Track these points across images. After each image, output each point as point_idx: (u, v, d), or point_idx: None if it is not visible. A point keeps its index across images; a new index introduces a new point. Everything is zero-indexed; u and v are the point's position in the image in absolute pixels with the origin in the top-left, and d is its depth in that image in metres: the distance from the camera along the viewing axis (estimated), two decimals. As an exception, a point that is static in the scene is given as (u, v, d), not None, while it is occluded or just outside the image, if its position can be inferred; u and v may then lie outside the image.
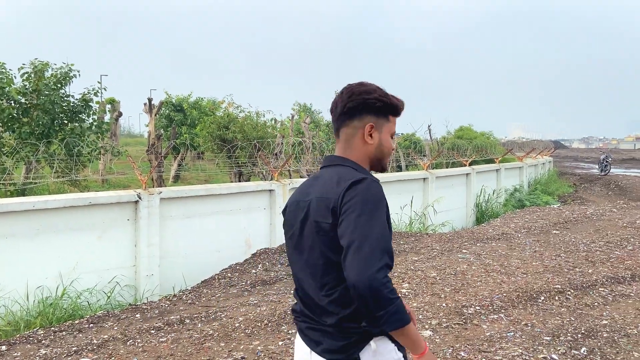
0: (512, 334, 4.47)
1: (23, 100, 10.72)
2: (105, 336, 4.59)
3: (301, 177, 13.56)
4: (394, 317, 1.56)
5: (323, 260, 1.74)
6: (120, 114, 19.00)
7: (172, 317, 5.12)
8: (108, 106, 19.29)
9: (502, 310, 5.04)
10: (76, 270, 5.98)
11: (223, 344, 4.37)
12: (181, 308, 5.54)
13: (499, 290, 5.58)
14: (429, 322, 4.70)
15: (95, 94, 11.58)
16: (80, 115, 11.42)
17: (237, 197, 7.77)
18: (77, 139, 10.89)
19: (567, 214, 11.09)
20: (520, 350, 4.11)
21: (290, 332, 4.60)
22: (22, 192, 9.73)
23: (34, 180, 10.10)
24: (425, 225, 11.02)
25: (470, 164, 14.68)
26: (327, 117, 24.98)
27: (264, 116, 16.10)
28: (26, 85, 10.76)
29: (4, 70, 10.56)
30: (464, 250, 7.67)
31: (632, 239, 8.18)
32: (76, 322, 5.08)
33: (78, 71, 11.26)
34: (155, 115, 15.39)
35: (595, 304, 5.27)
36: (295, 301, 1.96)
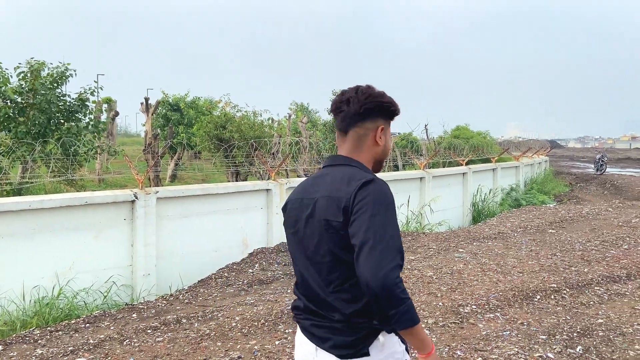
0: (508, 332, 4.48)
1: (19, 100, 10.69)
2: (102, 336, 4.59)
3: (298, 176, 13.56)
4: (405, 317, 1.60)
5: (331, 258, 1.76)
6: (116, 114, 18.96)
7: (169, 316, 5.12)
8: (105, 105, 19.24)
9: (498, 309, 5.05)
10: (72, 270, 5.96)
11: (220, 344, 4.37)
12: (178, 308, 5.54)
13: (495, 289, 5.60)
14: (426, 321, 4.72)
15: (92, 94, 11.56)
16: (76, 115, 11.40)
17: (234, 196, 7.77)
18: (74, 139, 10.86)
19: (563, 213, 11.13)
20: (516, 349, 4.13)
21: (287, 331, 4.61)
22: (18, 192, 9.70)
23: (30, 179, 10.07)
24: (422, 224, 11.04)
25: (466, 164, 14.71)
26: (324, 116, 24.96)
27: (261, 115, 16.11)
28: (22, 84, 10.73)
29: (0, 69, 10.53)
30: (461, 250, 7.69)
31: (627, 238, 8.22)
32: (72, 321, 5.07)
33: (74, 70, 11.24)
34: (152, 114, 15.38)
35: (591, 302, 5.29)
36: (296, 298, 1.97)
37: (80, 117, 11.54)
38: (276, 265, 6.95)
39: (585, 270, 6.41)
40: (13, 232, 5.68)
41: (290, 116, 21.46)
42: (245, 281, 6.37)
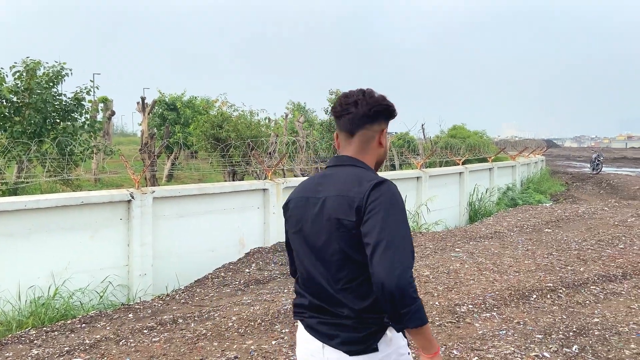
0: (505, 332, 4.49)
1: (15, 99, 10.65)
2: (98, 336, 4.58)
3: (295, 176, 13.55)
4: (416, 316, 1.64)
5: (341, 256, 1.79)
6: (113, 113, 18.91)
7: (165, 316, 5.11)
8: (101, 105, 19.19)
9: (495, 309, 5.06)
10: (68, 270, 5.95)
11: (216, 344, 4.36)
12: (174, 308, 5.53)
13: (491, 289, 5.61)
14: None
15: (88, 93, 11.52)
16: (72, 114, 11.35)
17: (230, 196, 7.76)
18: (70, 138, 10.82)
19: (559, 212, 11.16)
20: (512, 349, 4.13)
21: (283, 331, 4.61)
22: (13, 192, 9.66)
23: (26, 179, 10.03)
24: (419, 224, 11.05)
25: (463, 163, 14.73)
26: (321, 116, 24.96)
27: (257, 115, 16.07)
28: (18, 83, 10.68)
29: (-5, 68, 10.50)
30: (457, 249, 7.70)
31: (623, 238, 8.25)
32: (68, 322, 5.05)
33: (70, 70, 11.19)
34: (149, 114, 15.33)
35: (587, 302, 5.30)
36: (298, 296, 1.98)
37: (76, 116, 11.50)
38: (273, 265, 6.95)
39: (582, 269, 6.43)
40: (9, 232, 5.66)
41: (287, 116, 21.45)
42: (242, 281, 6.36)
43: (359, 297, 1.78)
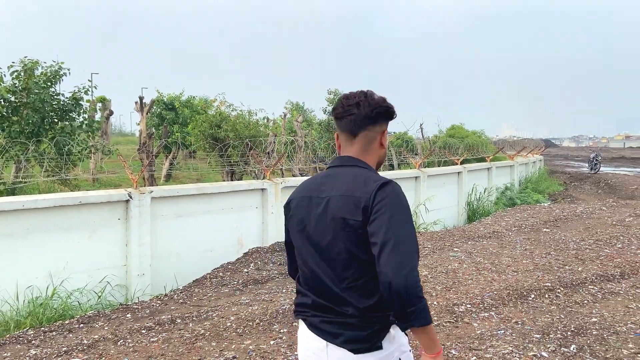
0: (503, 332, 4.50)
1: (13, 99, 10.63)
2: (96, 336, 4.57)
3: (293, 175, 13.55)
4: (422, 315, 1.67)
5: (346, 255, 1.81)
6: (111, 113, 18.88)
7: (163, 316, 5.11)
8: (99, 105, 19.16)
9: (493, 308, 5.07)
10: (66, 270, 5.94)
11: (214, 344, 4.36)
12: (172, 308, 5.52)
13: (489, 289, 5.62)
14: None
15: (86, 93, 11.50)
16: (70, 114, 11.33)
17: (229, 196, 7.75)
18: (68, 138, 10.81)
19: (557, 212, 11.17)
20: (510, 348, 4.14)
21: (282, 331, 4.61)
22: (11, 192, 9.65)
23: (24, 179, 10.02)
24: (417, 223, 11.06)
25: (461, 163, 14.74)
26: (320, 115, 24.94)
27: (256, 115, 16.07)
28: (16, 83, 10.66)
29: (-7, 68, 10.47)
30: (456, 249, 7.71)
31: (621, 237, 8.26)
32: (66, 322, 5.05)
33: (68, 69, 11.17)
34: (147, 113, 15.32)
35: (585, 301, 5.31)
36: (300, 295, 1.99)
37: (74, 116, 11.48)
38: (271, 265, 6.94)
39: (580, 269, 6.44)
40: (7, 232, 5.65)
41: (285, 115, 21.44)
42: (240, 281, 6.36)
43: (363, 296, 1.80)
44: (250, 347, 4.27)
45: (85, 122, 12.00)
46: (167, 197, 6.99)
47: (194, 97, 23.01)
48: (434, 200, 11.73)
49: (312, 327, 1.91)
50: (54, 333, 4.73)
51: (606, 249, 7.56)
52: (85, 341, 4.45)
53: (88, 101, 12.72)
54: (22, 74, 10.60)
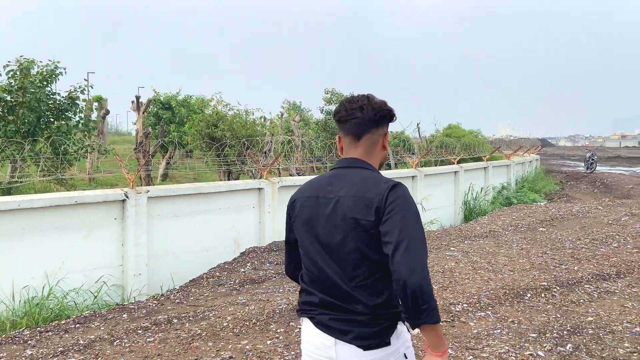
0: (499, 331, 4.50)
1: (8, 98, 10.60)
2: (92, 336, 4.56)
3: (290, 175, 13.54)
4: (434, 312, 1.72)
5: (357, 255, 1.87)
6: (107, 112, 18.85)
7: (160, 316, 5.10)
8: (95, 104, 19.12)
9: (489, 308, 5.08)
10: (62, 269, 5.92)
11: (211, 344, 4.36)
12: (169, 308, 5.51)
13: (486, 288, 5.63)
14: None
15: (82, 92, 11.48)
16: (66, 113, 11.32)
17: (225, 195, 7.74)
18: (64, 137, 10.79)
19: (553, 211, 11.20)
20: (506, 347, 4.15)
21: (278, 330, 4.60)
22: (7, 191, 9.61)
23: (20, 179, 9.98)
24: (414, 223, 11.05)
25: (458, 162, 14.76)
26: (317, 115, 24.93)
27: (253, 114, 16.06)
28: (12, 82, 10.63)
29: (-12, 67, 10.44)
30: (452, 248, 7.72)
31: (617, 236, 8.28)
32: (62, 322, 5.03)
33: (64, 69, 11.15)
34: (143, 113, 15.29)
35: (581, 300, 5.33)
36: (305, 294, 2.02)
37: (70, 115, 11.46)
38: (268, 265, 6.94)
39: (576, 268, 6.46)
40: (2, 231, 5.63)
41: (282, 115, 21.43)
42: (237, 280, 6.35)
43: (373, 294, 1.86)
44: (247, 347, 4.26)
45: (82, 121, 11.98)
46: (163, 196, 6.97)
47: (190, 96, 22.99)
48: (431, 200, 11.73)
49: (320, 325, 1.95)
50: (50, 333, 4.72)
51: (602, 248, 7.58)
52: (81, 341, 4.44)
53: (84, 100, 12.71)
54: (17, 73, 10.58)
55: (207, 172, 15.02)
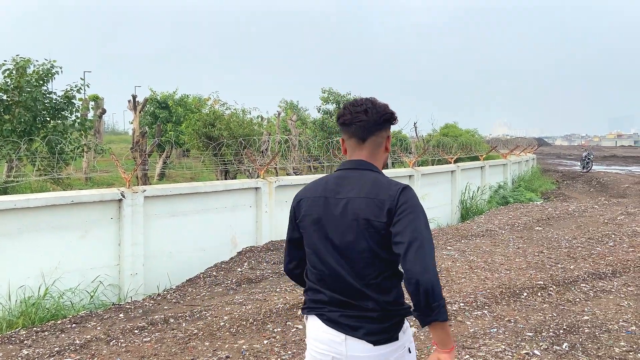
0: (496, 330, 4.52)
1: (4, 97, 10.56)
2: (88, 336, 4.55)
3: (287, 174, 13.54)
4: (444, 310, 1.80)
5: (368, 254, 1.94)
6: (104, 111, 18.79)
7: (156, 316, 5.09)
8: (92, 103, 19.06)
9: (486, 307, 5.09)
10: (59, 269, 5.90)
11: (208, 344, 4.35)
12: (165, 307, 5.51)
13: (482, 287, 5.64)
14: (413, 318, 4.73)
15: (78, 91, 11.45)
16: (62, 113, 11.28)
17: (222, 195, 7.73)
18: (60, 137, 10.75)
19: (549, 210, 11.23)
20: (503, 346, 4.16)
21: (275, 330, 4.60)
22: (3, 191, 9.58)
23: (16, 178, 9.95)
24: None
25: (455, 162, 14.78)
26: (314, 114, 24.91)
27: (250, 113, 16.04)
28: (7, 82, 10.59)
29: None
30: (449, 247, 7.73)
31: (613, 235, 8.31)
32: (59, 322, 5.02)
33: (60, 68, 11.12)
34: (140, 112, 15.24)
35: (577, 299, 5.34)
36: (312, 293, 2.06)
37: (66, 114, 11.43)
38: (265, 264, 6.94)
39: (572, 267, 6.48)
40: (-2, 231, 5.61)
41: (279, 114, 21.41)
42: (233, 280, 6.35)
43: (383, 292, 1.94)
44: (244, 346, 4.26)
45: (78, 120, 11.94)
46: (160, 196, 6.96)
47: (187, 95, 22.95)
48: (428, 199, 11.75)
49: (330, 322, 2.00)
50: (46, 333, 4.71)
51: (598, 247, 7.61)
52: (77, 341, 4.43)
53: (80, 100, 12.66)
54: (14, 72, 10.54)
55: (204, 171, 15.00)
